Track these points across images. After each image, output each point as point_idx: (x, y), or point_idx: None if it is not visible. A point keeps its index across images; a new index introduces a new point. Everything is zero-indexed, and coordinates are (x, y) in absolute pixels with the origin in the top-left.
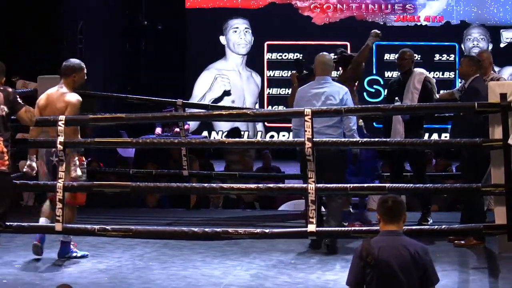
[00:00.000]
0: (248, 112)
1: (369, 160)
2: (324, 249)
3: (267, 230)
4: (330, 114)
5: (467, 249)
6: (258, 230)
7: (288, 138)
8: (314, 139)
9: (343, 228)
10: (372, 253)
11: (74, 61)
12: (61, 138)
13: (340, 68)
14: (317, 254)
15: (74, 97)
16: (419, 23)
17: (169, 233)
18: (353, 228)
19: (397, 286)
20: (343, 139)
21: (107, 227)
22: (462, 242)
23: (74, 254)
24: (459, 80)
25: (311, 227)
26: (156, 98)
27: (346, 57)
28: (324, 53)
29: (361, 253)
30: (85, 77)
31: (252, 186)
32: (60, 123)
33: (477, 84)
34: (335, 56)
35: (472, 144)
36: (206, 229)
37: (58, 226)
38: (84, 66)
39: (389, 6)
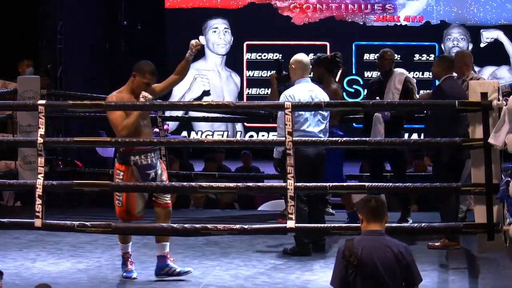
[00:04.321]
0: (228, 103)
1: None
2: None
3: (246, 226)
4: (311, 108)
5: (445, 250)
6: (237, 226)
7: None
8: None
9: (323, 225)
10: (355, 253)
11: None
12: (41, 131)
13: None
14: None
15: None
16: (399, 23)
17: (149, 229)
18: (332, 225)
19: (381, 286)
20: (323, 139)
21: (86, 223)
22: (437, 244)
23: (173, 270)
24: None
25: (290, 223)
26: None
27: None
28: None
29: (344, 253)
30: (143, 81)
31: (231, 185)
32: (40, 108)
33: (443, 84)
34: None
35: (452, 144)
36: (186, 225)
37: (38, 222)
38: (147, 68)
39: (368, 6)
